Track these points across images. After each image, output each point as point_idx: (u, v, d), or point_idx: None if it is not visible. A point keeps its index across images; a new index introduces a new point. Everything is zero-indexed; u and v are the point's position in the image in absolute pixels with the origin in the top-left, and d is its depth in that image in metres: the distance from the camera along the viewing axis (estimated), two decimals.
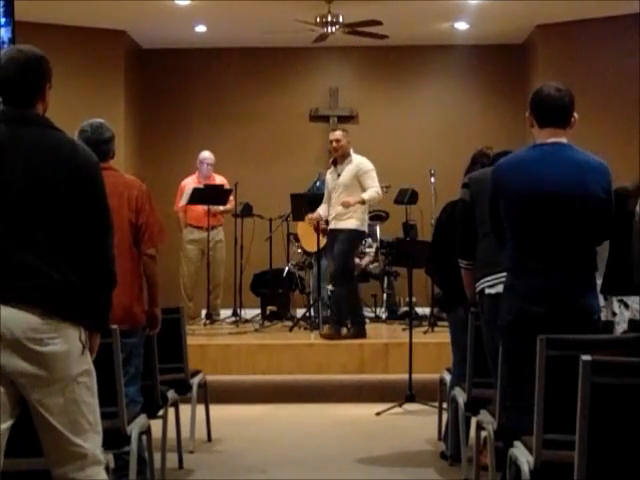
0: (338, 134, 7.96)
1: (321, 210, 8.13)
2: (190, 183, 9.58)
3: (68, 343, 2.86)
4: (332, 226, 7.93)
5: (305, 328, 8.43)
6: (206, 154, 9.73)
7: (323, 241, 9.05)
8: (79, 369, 2.90)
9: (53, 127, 2.98)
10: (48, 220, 2.88)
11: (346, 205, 7.72)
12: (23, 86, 2.95)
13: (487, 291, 4.27)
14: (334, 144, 7.89)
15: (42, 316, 2.81)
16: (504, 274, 3.88)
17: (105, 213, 3.00)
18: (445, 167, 9.86)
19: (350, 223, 7.83)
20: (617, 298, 4.83)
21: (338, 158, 7.92)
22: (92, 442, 2.93)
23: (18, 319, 2.79)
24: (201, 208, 9.36)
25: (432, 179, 9.36)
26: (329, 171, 8.10)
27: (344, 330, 7.93)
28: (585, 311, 3.66)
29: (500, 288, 4.03)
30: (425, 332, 8.16)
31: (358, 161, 7.90)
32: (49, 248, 2.86)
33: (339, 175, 7.87)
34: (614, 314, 4.80)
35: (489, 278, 4.26)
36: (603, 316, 4.66)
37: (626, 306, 4.80)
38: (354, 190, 7.79)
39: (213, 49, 11.58)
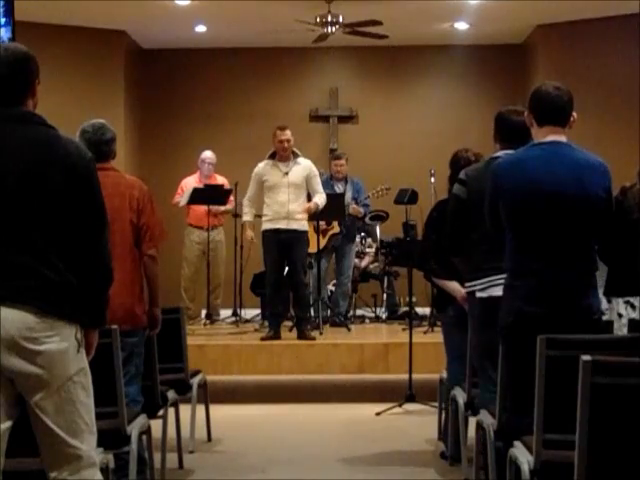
0: (289, 133, 7.99)
1: (249, 216, 8.14)
2: (191, 182, 9.58)
3: (64, 341, 2.85)
4: (283, 226, 7.82)
5: None
6: (208, 154, 9.75)
7: (323, 241, 9.07)
8: (76, 367, 2.89)
9: (46, 124, 2.97)
10: (43, 219, 2.86)
11: (309, 211, 7.86)
12: (13, 84, 2.93)
13: (478, 295, 4.24)
14: (285, 144, 7.90)
15: (37, 315, 2.80)
16: (498, 277, 3.90)
17: (101, 210, 2.99)
18: (445, 167, 9.72)
19: (304, 225, 7.96)
20: (623, 299, 4.81)
21: (285, 157, 7.94)
22: (88, 443, 2.93)
23: (13, 319, 2.78)
24: (202, 208, 9.36)
25: (432, 179, 9.35)
26: (264, 165, 8.03)
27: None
28: (585, 311, 3.65)
29: (492, 291, 4.04)
30: (425, 332, 8.16)
31: (308, 164, 8.06)
32: (44, 247, 2.85)
33: (286, 173, 7.88)
34: (620, 316, 4.78)
35: (483, 280, 4.22)
36: (607, 318, 4.64)
37: (632, 307, 4.78)
38: (302, 191, 7.95)
39: (213, 49, 11.58)
